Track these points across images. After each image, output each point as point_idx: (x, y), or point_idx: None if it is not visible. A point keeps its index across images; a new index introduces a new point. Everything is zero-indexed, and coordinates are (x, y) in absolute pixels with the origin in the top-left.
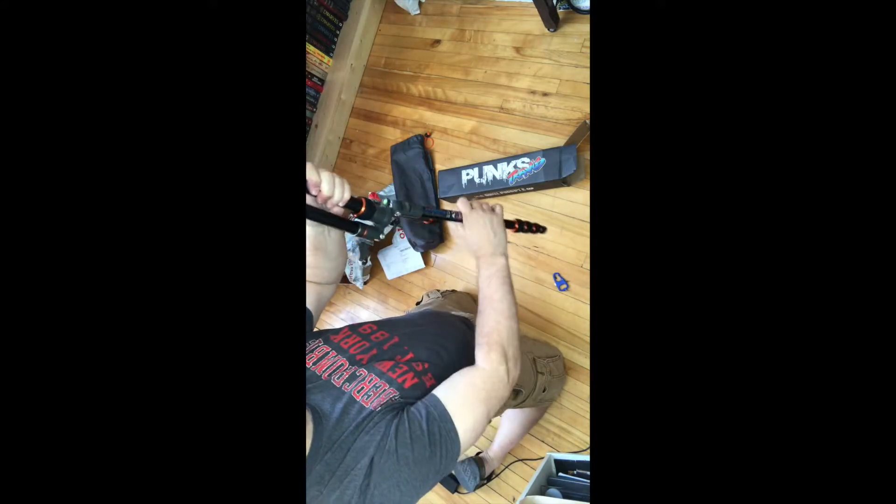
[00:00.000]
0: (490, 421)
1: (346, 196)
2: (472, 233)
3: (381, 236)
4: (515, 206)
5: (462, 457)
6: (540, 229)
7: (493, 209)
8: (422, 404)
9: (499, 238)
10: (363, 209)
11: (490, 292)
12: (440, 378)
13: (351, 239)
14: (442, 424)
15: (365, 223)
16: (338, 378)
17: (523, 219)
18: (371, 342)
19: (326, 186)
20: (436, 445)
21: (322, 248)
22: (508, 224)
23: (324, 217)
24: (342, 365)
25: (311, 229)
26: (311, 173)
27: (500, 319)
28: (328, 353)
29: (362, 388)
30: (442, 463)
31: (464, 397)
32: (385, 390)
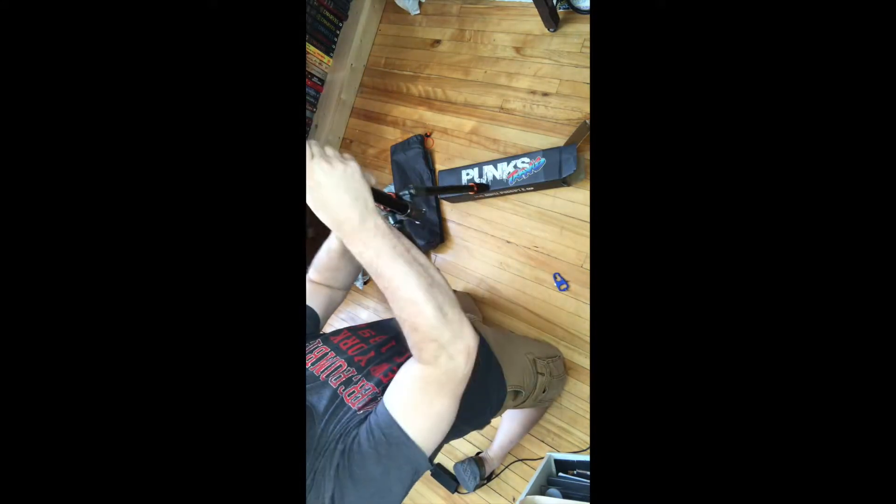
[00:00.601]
0: (458, 406)
1: (372, 181)
2: (324, 195)
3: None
4: (515, 206)
5: (461, 456)
6: (483, 188)
7: (343, 158)
8: (373, 415)
9: (362, 196)
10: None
11: (386, 281)
12: None
13: None
14: (388, 433)
15: (411, 202)
16: (335, 380)
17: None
18: (370, 345)
19: None
20: (387, 458)
21: (349, 251)
22: (467, 188)
23: (381, 197)
24: (340, 366)
25: None
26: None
27: (418, 305)
28: (327, 353)
29: (353, 391)
30: (402, 470)
31: (410, 398)
32: (373, 392)
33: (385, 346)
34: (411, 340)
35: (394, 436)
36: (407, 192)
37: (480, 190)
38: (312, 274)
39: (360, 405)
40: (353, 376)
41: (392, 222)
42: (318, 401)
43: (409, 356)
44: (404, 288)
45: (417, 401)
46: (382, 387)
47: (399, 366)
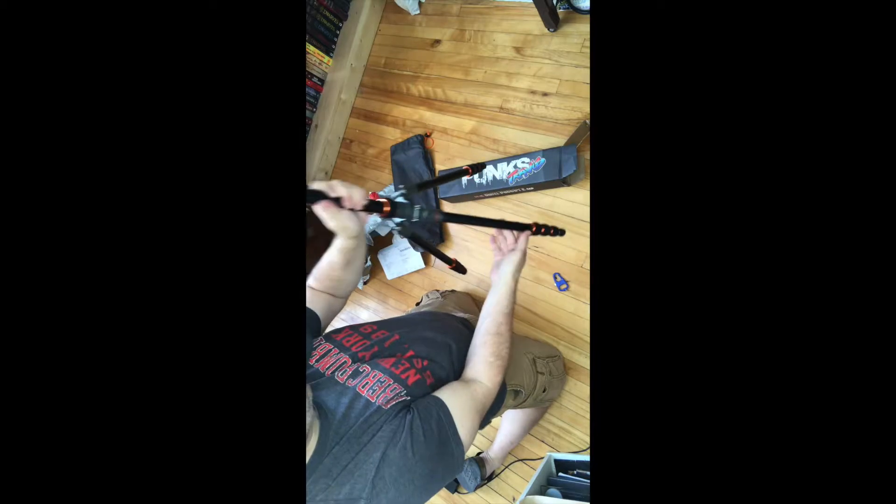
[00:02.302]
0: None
1: (365, 198)
2: (521, 256)
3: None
4: (515, 206)
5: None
6: (478, 168)
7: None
8: (431, 405)
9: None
10: (387, 209)
11: (508, 311)
12: (438, 377)
13: None
14: (449, 428)
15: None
16: (341, 374)
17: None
18: (372, 340)
19: (343, 189)
20: (444, 445)
21: (353, 262)
22: (461, 173)
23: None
24: (345, 362)
25: (350, 242)
26: (321, 185)
27: (509, 346)
28: (330, 350)
29: (367, 383)
30: (449, 465)
31: (464, 407)
32: (390, 385)
33: (388, 341)
34: (499, 364)
35: (452, 432)
36: (399, 193)
37: (476, 170)
38: (312, 281)
39: (382, 400)
40: (359, 368)
41: (392, 226)
42: (325, 396)
43: (412, 353)
44: (510, 328)
45: (469, 411)
46: (396, 378)
47: (405, 360)
